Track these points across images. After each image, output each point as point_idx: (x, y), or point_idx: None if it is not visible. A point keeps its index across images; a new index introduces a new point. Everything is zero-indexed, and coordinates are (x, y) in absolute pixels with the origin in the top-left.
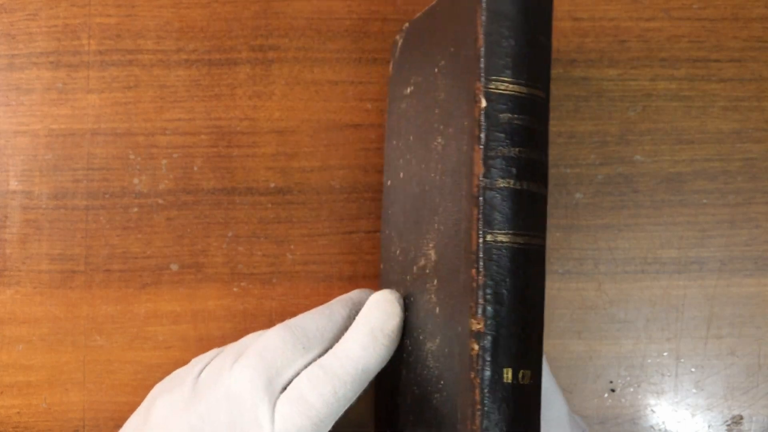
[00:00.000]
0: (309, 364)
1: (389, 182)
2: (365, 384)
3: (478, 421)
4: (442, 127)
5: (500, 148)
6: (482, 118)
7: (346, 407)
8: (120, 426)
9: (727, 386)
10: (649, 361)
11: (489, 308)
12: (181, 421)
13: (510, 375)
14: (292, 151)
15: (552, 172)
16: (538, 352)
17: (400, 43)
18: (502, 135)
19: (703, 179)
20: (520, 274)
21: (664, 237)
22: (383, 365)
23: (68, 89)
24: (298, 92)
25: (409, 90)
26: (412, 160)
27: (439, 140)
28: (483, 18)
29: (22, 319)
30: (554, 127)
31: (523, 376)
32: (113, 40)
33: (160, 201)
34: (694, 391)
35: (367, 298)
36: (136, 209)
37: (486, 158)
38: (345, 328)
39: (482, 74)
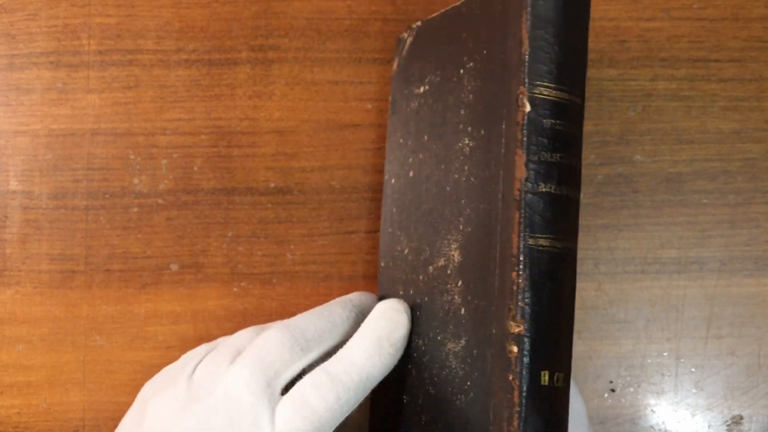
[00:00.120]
0: (307, 366)
1: (393, 180)
2: (368, 391)
3: (516, 423)
4: (470, 128)
5: (543, 153)
6: (526, 123)
7: (348, 413)
8: None
9: (727, 386)
10: (649, 361)
11: (528, 311)
12: (178, 424)
13: (546, 378)
14: (292, 151)
15: None
16: (569, 355)
17: (408, 42)
18: (545, 140)
19: (703, 179)
20: (557, 278)
21: (664, 237)
22: (387, 373)
23: (68, 89)
24: (298, 92)
25: (422, 89)
26: (426, 160)
27: (466, 141)
28: (528, 23)
29: (22, 319)
30: None
31: (557, 379)
32: (113, 40)
33: (160, 201)
34: (694, 391)
35: (366, 301)
36: (136, 209)
37: (529, 163)
38: (344, 330)
39: (527, 79)
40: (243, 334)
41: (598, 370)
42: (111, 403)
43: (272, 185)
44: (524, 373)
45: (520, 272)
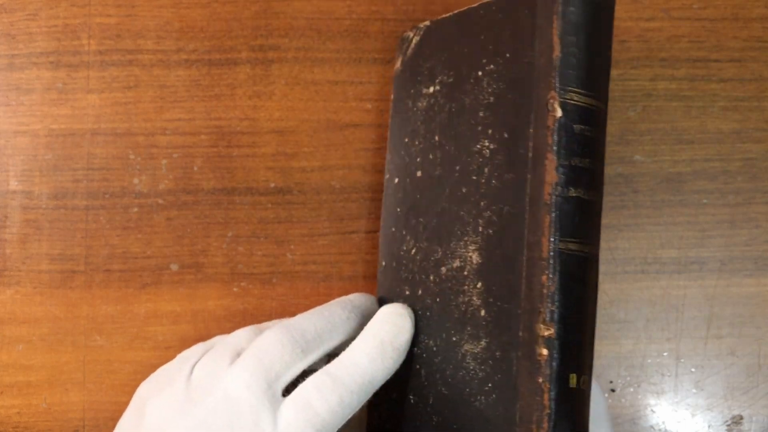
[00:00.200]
0: (307, 367)
1: (396, 180)
2: (369, 395)
3: (546, 426)
4: (490, 131)
5: (573, 158)
6: (556, 128)
7: (350, 416)
8: None
9: (727, 386)
10: (649, 361)
11: (558, 314)
12: (177, 424)
13: (575, 380)
14: (292, 151)
15: None
16: (591, 358)
17: (414, 41)
18: (575, 145)
19: (703, 179)
20: (584, 282)
21: (664, 237)
22: (389, 377)
23: (68, 89)
24: (298, 92)
25: (431, 89)
26: (438, 160)
27: (486, 144)
28: (559, 28)
29: (22, 319)
30: None
31: (582, 382)
32: (113, 40)
33: (160, 201)
34: (694, 391)
35: (366, 302)
36: (136, 209)
37: (560, 167)
38: (344, 331)
39: (558, 84)
40: (241, 334)
41: (598, 370)
42: (111, 403)
43: (272, 185)
44: (554, 375)
45: (551, 276)
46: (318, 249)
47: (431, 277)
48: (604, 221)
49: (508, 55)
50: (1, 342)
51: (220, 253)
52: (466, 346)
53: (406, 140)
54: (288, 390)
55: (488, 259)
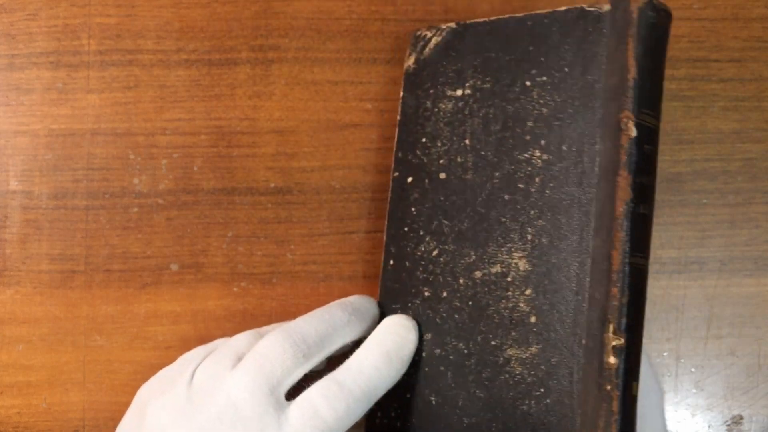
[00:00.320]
0: (308, 371)
1: (409, 179)
2: (372, 403)
3: (614, 431)
4: (543, 142)
5: (643, 176)
6: (629, 147)
7: (353, 424)
8: None
9: (727, 386)
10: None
11: (628, 325)
12: (180, 429)
13: (635, 388)
14: (292, 151)
15: None
16: (639, 366)
17: (433, 41)
18: (644, 164)
19: (703, 179)
20: (644, 293)
21: (664, 237)
22: (391, 386)
23: (68, 89)
24: (298, 92)
25: (459, 92)
26: (468, 164)
27: (537, 154)
28: (634, 50)
29: (22, 319)
30: None
31: (635, 389)
32: (113, 40)
33: (160, 201)
34: (694, 391)
35: (366, 304)
36: (136, 209)
37: (633, 184)
38: (345, 333)
39: (634, 105)
40: (242, 338)
41: None
42: (111, 403)
43: (272, 185)
44: (622, 383)
45: (623, 289)
46: (318, 249)
47: (461, 281)
48: None
49: (566, 69)
50: (1, 342)
51: (220, 253)
52: (510, 351)
53: (424, 140)
54: (290, 393)
55: (539, 268)
